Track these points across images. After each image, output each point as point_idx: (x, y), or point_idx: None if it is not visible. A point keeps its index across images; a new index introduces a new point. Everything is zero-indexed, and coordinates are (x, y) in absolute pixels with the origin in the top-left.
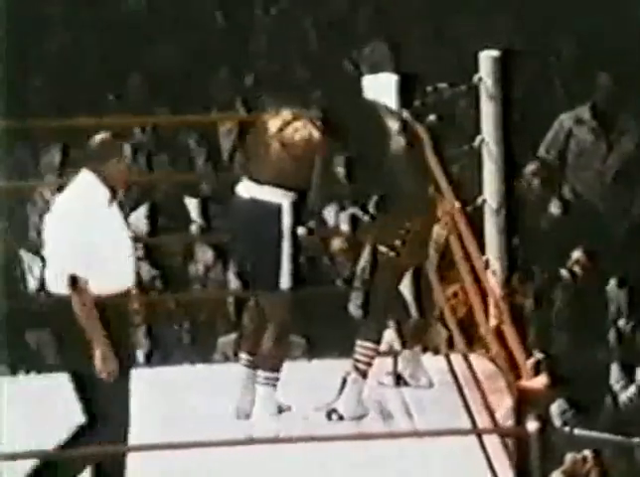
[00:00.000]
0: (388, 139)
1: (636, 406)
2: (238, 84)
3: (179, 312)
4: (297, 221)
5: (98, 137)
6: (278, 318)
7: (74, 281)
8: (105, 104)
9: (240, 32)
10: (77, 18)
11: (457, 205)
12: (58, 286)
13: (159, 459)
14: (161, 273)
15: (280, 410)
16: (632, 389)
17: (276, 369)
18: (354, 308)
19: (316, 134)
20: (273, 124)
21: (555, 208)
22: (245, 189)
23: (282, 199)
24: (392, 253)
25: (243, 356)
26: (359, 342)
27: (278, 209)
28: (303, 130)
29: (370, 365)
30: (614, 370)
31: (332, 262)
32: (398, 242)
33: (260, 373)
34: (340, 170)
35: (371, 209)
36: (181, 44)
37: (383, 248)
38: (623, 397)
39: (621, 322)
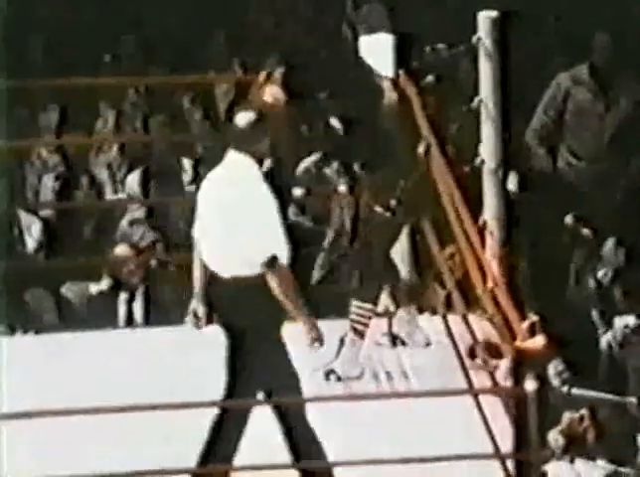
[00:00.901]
0: (380, 96)
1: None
2: (235, 46)
3: (180, 275)
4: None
5: (244, 116)
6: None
7: (272, 261)
8: (102, 65)
9: None
10: None
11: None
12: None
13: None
14: (162, 236)
15: None
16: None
17: None
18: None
19: (281, 98)
20: (254, 88)
21: (550, 165)
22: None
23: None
24: (387, 214)
25: None
26: (355, 303)
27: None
28: (270, 93)
29: (367, 325)
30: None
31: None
32: (393, 202)
33: None
34: (337, 127)
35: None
36: (179, 6)
37: (378, 208)
38: (603, 342)
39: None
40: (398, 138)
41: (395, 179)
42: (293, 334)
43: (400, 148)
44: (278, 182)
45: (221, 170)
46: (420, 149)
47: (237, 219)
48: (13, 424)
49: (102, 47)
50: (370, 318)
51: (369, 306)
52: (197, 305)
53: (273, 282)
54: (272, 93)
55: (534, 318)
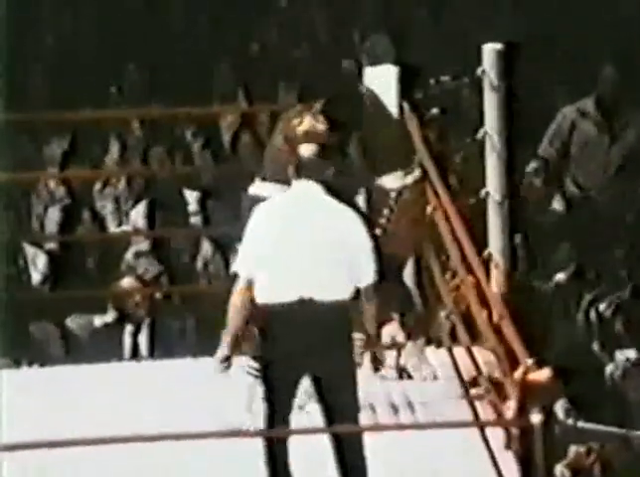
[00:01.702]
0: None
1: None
2: (239, 76)
3: (184, 307)
4: None
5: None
6: None
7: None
8: (107, 97)
9: (241, 24)
10: (77, 11)
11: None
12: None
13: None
14: (166, 268)
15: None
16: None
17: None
18: None
19: (320, 127)
20: (280, 120)
21: (557, 201)
22: (254, 187)
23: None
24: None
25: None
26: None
27: None
28: (306, 124)
29: (361, 355)
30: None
31: None
32: (378, 232)
33: (250, 363)
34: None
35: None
36: (183, 36)
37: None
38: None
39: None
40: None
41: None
42: None
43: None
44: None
45: (289, 197)
46: (415, 174)
47: (325, 240)
48: (17, 456)
49: (107, 78)
50: (366, 348)
51: (362, 336)
52: (226, 350)
53: (372, 307)
54: (314, 124)
55: (528, 362)
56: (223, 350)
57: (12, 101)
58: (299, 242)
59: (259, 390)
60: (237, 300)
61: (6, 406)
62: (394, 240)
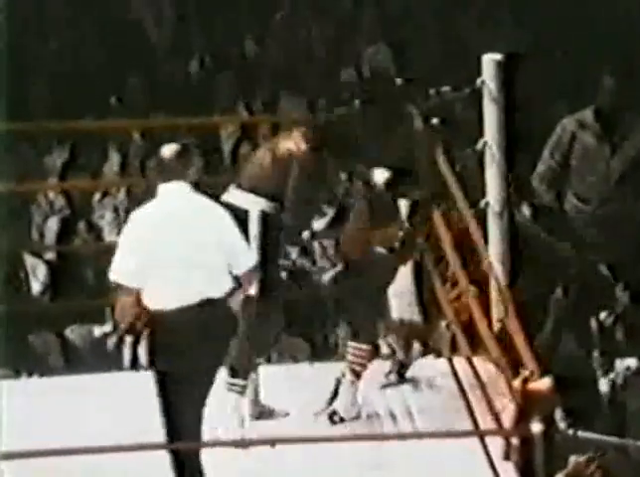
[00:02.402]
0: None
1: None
2: (239, 88)
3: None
4: (267, 229)
5: (168, 149)
6: (247, 325)
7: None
8: (108, 107)
9: (242, 36)
10: (78, 22)
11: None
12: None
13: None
14: None
15: (271, 416)
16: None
17: (244, 376)
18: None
19: (302, 146)
20: (268, 134)
21: (557, 211)
22: (227, 195)
23: (252, 206)
24: (385, 252)
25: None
26: (351, 344)
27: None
28: (290, 141)
29: (363, 366)
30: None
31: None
32: (396, 244)
33: (229, 379)
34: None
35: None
36: (183, 47)
37: (380, 249)
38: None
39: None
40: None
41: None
42: (292, 378)
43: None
44: (279, 223)
45: (157, 206)
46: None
47: (198, 240)
48: (16, 464)
49: (108, 89)
50: (366, 359)
51: (365, 347)
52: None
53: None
54: (295, 141)
55: (526, 373)
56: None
57: (13, 111)
58: (178, 244)
59: (245, 404)
60: (118, 306)
61: (6, 417)
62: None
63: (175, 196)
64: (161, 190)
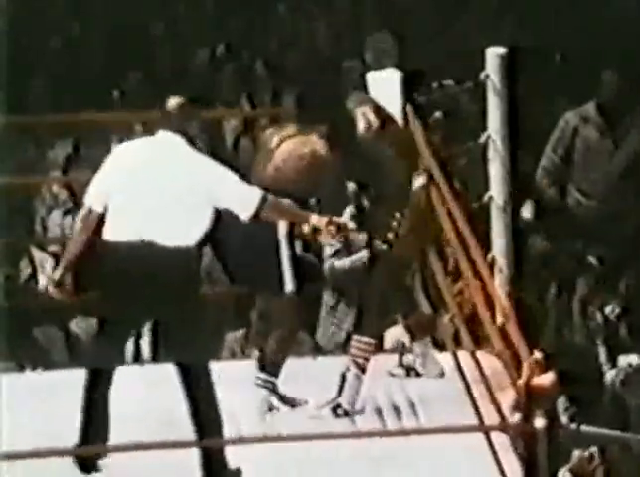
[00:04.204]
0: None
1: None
2: (242, 80)
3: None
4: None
5: (174, 102)
6: (284, 322)
7: (263, 201)
8: (110, 101)
9: (244, 30)
10: (80, 16)
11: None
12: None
13: (147, 458)
14: None
15: (293, 405)
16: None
17: (275, 373)
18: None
19: (322, 150)
20: (277, 134)
21: (560, 206)
22: None
23: None
24: (384, 247)
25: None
26: (355, 337)
27: None
28: (309, 144)
29: (367, 359)
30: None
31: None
32: (390, 235)
33: (260, 374)
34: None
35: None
36: (185, 41)
37: (378, 243)
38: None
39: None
40: (385, 168)
41: (390, 212)
42: (296, 371)
43: (395, 179)
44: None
45: (147, 144)
46: (421, 181)
47: (174, 185)
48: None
49: (110, 82)
50: (369, 352)
51: (368, 340)
52: (63, 274)
53: (275, 215)
54: (313, 146)
55: (537, 355)
56: (57, 272)
57: (15, 105)
58: (151, 185)
59: (274, 401)
60: (78, 226)
61: (9, 410)
62: (402, 244)
63: (167, 142)
64: (157, 134)
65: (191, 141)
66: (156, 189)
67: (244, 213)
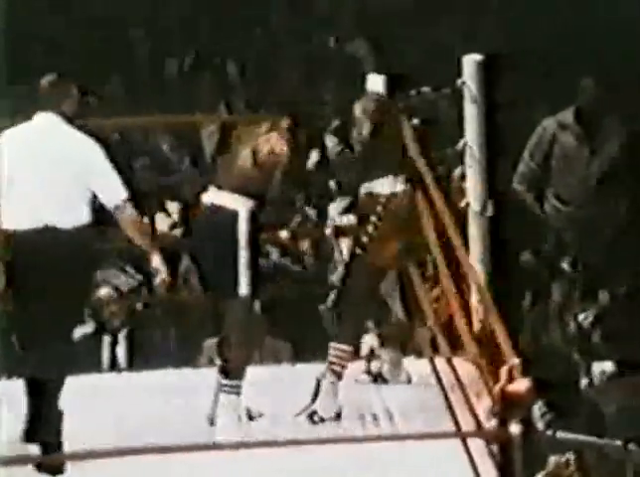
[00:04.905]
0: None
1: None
2: (220, 87)
3: (164, 317)
4: (258, 228)
5: (46, 79)
6: (238, 325)
7: (123, 206)
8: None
9: (222, 36)
10: (59, 22)
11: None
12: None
13: (118, 465)
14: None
15: (250, 417)
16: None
17: (238, 377)
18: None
19: (282, 147)
20: (246, 133)
21: (537, 212)
22: (209, 196)
23: (240, 206)
24: (360, 252)
25: (219, 363)
26: (332, 344)
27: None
28: (271, 142)
29: (344, 367)
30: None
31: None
32: (365, 240)
33: (222, 381)
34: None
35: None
36: (165, 46)
37: (357, 249)
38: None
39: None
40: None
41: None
42: (270, 379)
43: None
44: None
45: (27, 128)
46: (400, 186)
47: (57, 167)
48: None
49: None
50: (347, 360)
51: (346, 347)
52: None
53: (124, 223)
54: (274, 144)
55: (515, 361)
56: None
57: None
58: (38, 169)
59: (241, 405)
60: None
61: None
62: (379, 248)
63: (45, 124)
64: (35, 118)
65: (69, 119)
66: (44, 172)
67: (108, 203)
